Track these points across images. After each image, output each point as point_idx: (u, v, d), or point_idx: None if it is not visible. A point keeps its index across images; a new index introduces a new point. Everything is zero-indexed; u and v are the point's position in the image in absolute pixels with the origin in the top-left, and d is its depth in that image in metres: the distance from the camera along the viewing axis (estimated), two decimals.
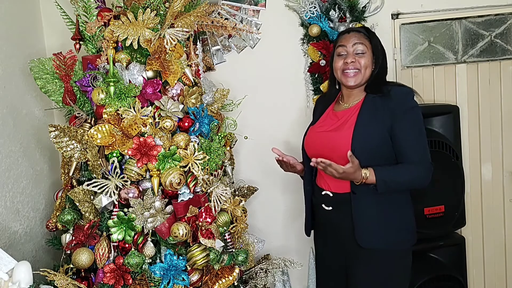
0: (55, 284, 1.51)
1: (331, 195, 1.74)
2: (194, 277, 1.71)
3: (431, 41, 2.42)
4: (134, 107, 1.66)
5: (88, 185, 1.63)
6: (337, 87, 1.85)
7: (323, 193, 1.77)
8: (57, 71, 1.77)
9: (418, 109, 1.69)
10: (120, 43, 1.72)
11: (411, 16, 2.36)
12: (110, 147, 1.65)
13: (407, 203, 1.73)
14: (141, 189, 1.68)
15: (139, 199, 1.64)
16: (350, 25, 2.25)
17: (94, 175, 1.66)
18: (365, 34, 1.75)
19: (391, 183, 1.61)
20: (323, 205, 1.77)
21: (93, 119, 1.75)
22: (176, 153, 1.68)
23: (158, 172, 1.65)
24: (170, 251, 1.67)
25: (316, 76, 2.33)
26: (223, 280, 1.78)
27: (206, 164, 1.75)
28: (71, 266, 1.67)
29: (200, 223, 1.71)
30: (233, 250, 1.86)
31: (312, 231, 1.94)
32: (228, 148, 2.03)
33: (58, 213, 1.76)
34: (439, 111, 2.24)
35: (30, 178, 2.00)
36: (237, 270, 1.84)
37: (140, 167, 1.65)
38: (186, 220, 1.68)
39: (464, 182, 2.27)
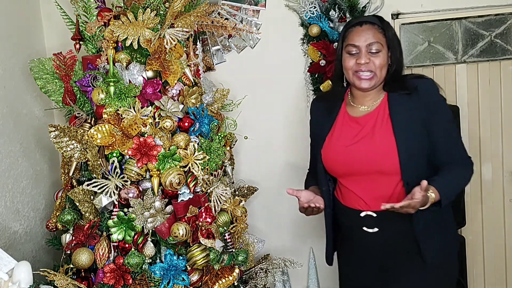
0: (55, 284, 1.51)
1: (374, 215, 1.51)
2: (194, 277, 1.71)
3: (431, 41, 2.42)
4: (134, 107, 1.66)
5: (88, 185, 1.63)
6: (344, 84, 1.64)
7: (362, 214, 1.53)
8: (57, 71, 1.77)
9: (445, 101, 1.54)
10: (120, 43, 1.72)
11: (411, 16, 2.36)
12: (110, 147, 1.65)
13: (450, 209, 1.60)
14: (141, 189, 1.68)
15: (139, 199, 1.64)
16: None
17: (94, 175, 1.66)
18: (379, 26, 1.53)
19: (451, 195, 1.47)
20: (365, 228, 1.53)
21: (93, 119, 1.75)
22: (176, 153, 1.68)
23: (158, 172, 1.65)
24: (170, 251, 1.67)
25: (316, 76, 2.32)
26: (223, 280, 1.78)
27: (206, 164, 1.75)
28: (71, 266, 1.67)
29: (200, 223, 1.71)
30: (233, 250, 1.86)
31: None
32: (228, 148, 2.03)
33: (58, 213, 1.76)
34: None
35: (30, 178, 2.00)
36: (237, 270, 1.84)
37: (140, 167, 1.65)
38: (186, 220, 1.68)
39: None
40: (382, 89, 1.57)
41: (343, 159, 1.54)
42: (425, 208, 1.41)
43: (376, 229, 1.52)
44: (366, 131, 1.52)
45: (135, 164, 1.64)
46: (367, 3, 2.27)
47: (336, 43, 2.23)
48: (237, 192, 2.13)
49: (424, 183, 1.34)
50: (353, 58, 1.53)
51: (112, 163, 1.64)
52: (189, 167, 1.70)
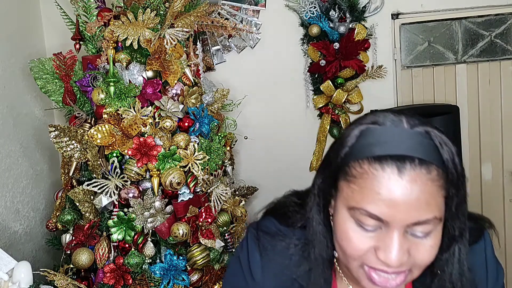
0: (55, 284, 1.51)
1: None
2: (194, 277, 1.71)
3: (431, 41, 2.42)
4: (134, 107, 1.66)
5: (88, 185, 1.63)
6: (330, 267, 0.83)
7: None
8: (57, 71, 1.77)
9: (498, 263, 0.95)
10: (120, 43, 1.72)
11: (411, 16, 2.36)
12: (110, 147, 1.65)
13: None
14: (141, 189, 1.68)
15: (139, 199, 1.64)
16: (350, 25, 2.24)
17: (94, 175, 1.66)
18: (440, 169, 0.69)
19: None
20: None
21: (93, 119, 1.75)
22: (176, 153, 1.68)
23: (158, 172, 1.65)
24: (170, 251, 1.67)
25: (316, 76, 2.32)
26: None
27: (206, 164, 1.75)
28: (71, 266, 1.67)
29: (200, 223, 1.71)
30: (233, 250, 1.86)
31: None
32: (228, 148, 2.03)
33: (58, 213, 1.76)
34: (439, 111, 2.24)
35: (30, 178, 2.00)
36: None
37: (140, 167, 1.65)
38: (186, 220, 1.68)
39: None
40: None
41: None
42: None
43: None
44: None
45: (135, 164, 1.64)
46: (367, 3, 2.27)
47: (336, 43, 2.23)
48: (237, 192, 2.13)
49: None
50: (368, 237, 0.70)
51: (112, 163, 1.64)
52: (189, 167, 1.69)
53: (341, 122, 2.33)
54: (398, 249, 0.67)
